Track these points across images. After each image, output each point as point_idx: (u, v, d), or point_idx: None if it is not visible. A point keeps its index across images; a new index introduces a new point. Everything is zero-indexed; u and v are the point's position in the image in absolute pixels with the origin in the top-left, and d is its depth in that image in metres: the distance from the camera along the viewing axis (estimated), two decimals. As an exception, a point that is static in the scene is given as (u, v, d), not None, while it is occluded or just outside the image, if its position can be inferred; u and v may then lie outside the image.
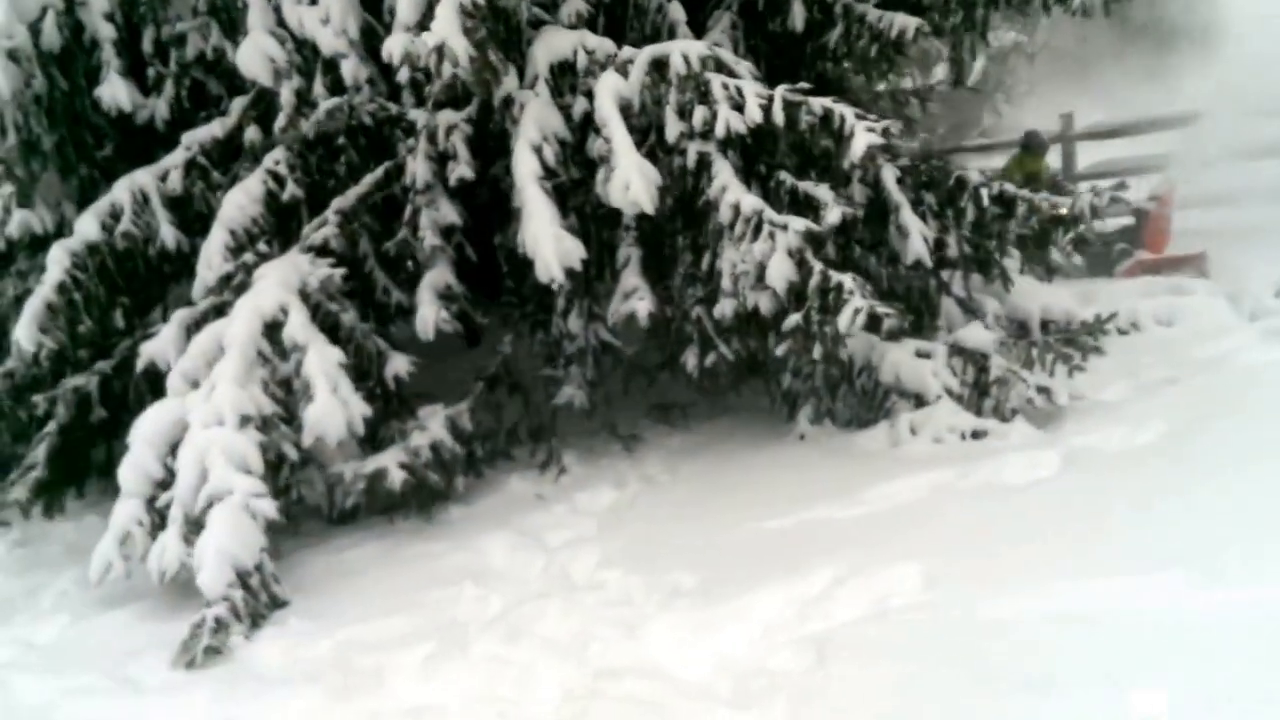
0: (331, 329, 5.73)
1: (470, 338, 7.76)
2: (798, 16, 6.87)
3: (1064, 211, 9.31)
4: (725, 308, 5.74)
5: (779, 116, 5.55)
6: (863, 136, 5.34)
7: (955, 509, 4.58)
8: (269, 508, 4.96)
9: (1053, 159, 11.25)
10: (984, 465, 5.01)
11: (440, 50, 4.90)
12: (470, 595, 4.52)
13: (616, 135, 5.49)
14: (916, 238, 6.13)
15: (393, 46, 5.18)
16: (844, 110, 5.50)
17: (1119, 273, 8.78)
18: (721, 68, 5.75)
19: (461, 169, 5.91)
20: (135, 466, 5.26)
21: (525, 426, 6.41)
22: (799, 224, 5.37)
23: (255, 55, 5.89)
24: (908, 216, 6.19)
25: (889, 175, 6.28)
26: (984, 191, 6.43)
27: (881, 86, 10.56)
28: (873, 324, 5.22)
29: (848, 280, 5.26)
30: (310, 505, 5.82)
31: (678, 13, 6.56)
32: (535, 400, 6.40)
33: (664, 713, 3.29)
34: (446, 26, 4.93)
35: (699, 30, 6.96)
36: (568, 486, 5.92)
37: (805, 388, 6.24)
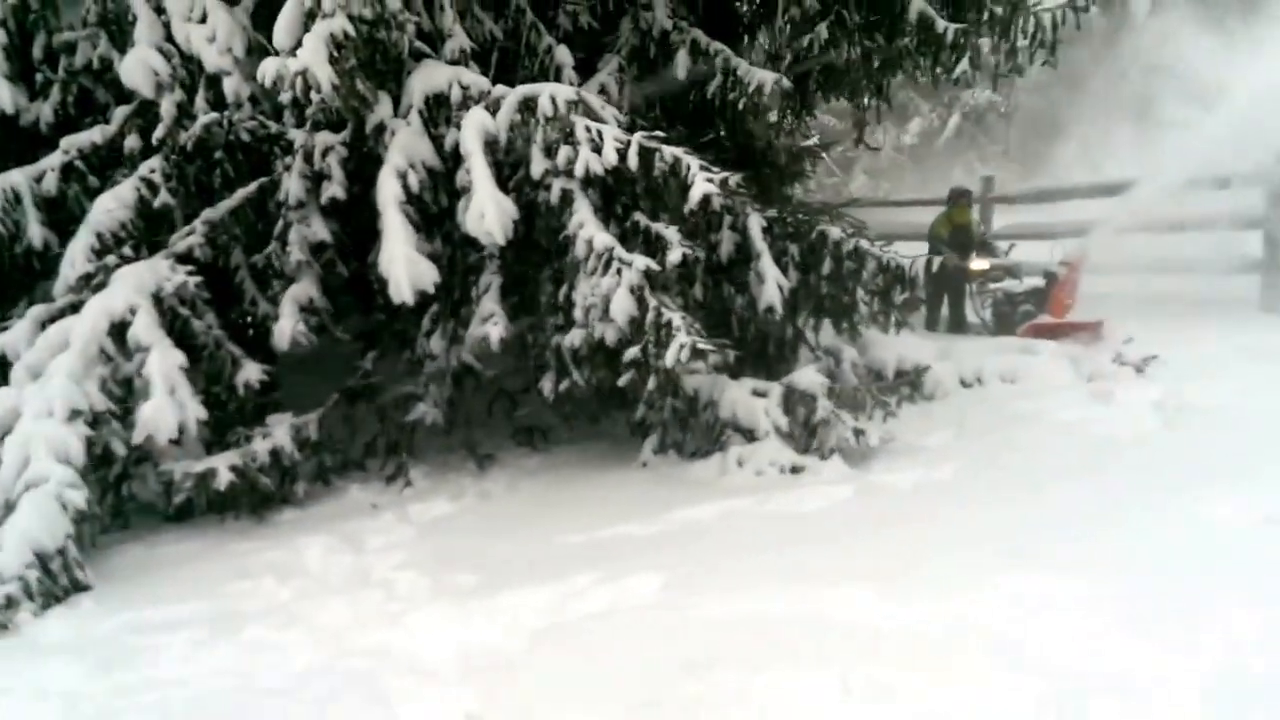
0: (184, 334, 6.23)
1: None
2: (681, 66, 7.49)
3: (984, 269, 10.04)
4: (575, 338, 6.32)
5: (634, 161, 6.16)
6: (701, 185, 5.98)
7: (733, 529, 5.22)
8: (79, 498, 5.33)
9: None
10: (786, 495, 5.68)
11: (304, 76, 5.47)
12: (266, 588, 5.00)
13: (476, 168, 6.09)
14: (771, 284, 6.75)
15: (266, 69, 5.76)
16: (690, 160, 6.13)
17: (1019, 333, 9.33)
18: (588, 112, 6.35)
19: (334, 189, 6.49)
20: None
21: (382, 441, 6.92)
22: (640, 262, 5.96)
23: (139, 67, 6.46)
24: (766, 264, 6.82)
25: (754, 224, 6.91)
26: (842, 246, 7.05)
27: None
28: (697, 358, 5.78)
29: (676, 318, 5.84)
30: (145, 501, 6.26)
31: (564, 56, 7.17)
32: (392, 416, 6.90)
33: (375, 684, 3.80)
34: (312, 55, 5.52)
35: (590, 72, 7.58)
36: (407, 498, 6.43)
37: (656, 419, 6.82)
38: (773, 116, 9.67)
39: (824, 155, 25.61)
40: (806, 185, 10.15)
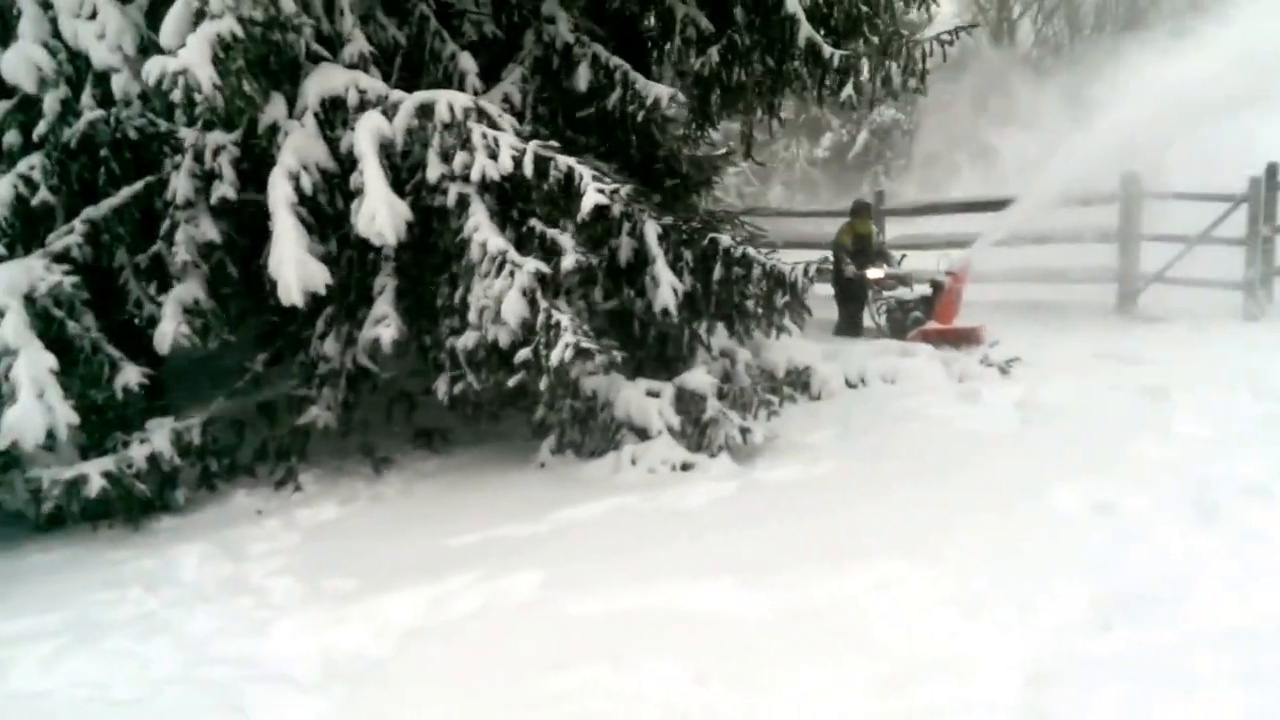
0: (60, 336, 5.98)
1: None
2: (582, 78, 7.47)
3: (880, 277, 10.23)
4: (469, 339, 6.26)
5: (529, 168, 6.14)
6: (592, 195, 5.98)
7: (618, 526, 5.24)
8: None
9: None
10: (673, 492, 5.72)
11: (185, 76, 5.35)
12: (133, 597, 4.82)
13: (369, 170, 6.00)
14: (666, 288, 6.75)
15: (151, 68, 5.59)
16: (583, 170, 6.13)
17: (909, 337, 9.51)
18: (485, 119, 6.31)
19: (225, 189, 6.31)
20: None
21: (273, 445, 6.75)
22: (531, 265, 5.94)
23: (21, 62, 6.20)
24: (660, 269, 6.82)
25: (650, 231, 6.92)
26: (732, 253, 7.10)
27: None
28: (583, 358, 5.78)
29: (565, 319, 5.83)
30: (13, 510, 6.02)
31: (468, 63, 7.09)
32: (283, 419, 6.73)
33: (232, 693, 3.71)
34: (195, 55, 5.38)
35: (496, 80, 7.54)
36: (294, 503, 6.26)
37: (555, 419, 6.80)
38: (677, 129, 9.74)
39: (738, 164, 25.92)
40: (711, 195, 10.16)
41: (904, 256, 11.08)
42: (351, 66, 6.53)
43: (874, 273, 10.47)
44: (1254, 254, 10.09)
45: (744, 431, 6.26)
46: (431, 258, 6.60)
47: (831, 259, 10.35)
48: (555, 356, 5.75)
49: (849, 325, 10.61)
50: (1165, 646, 3.56)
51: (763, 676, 3.46)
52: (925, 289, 10.09)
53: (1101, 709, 3.17)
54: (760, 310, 7.00)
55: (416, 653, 3.90)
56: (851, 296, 10.64)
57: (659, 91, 7.12)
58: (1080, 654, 3.55)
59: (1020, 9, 31.03)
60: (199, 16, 5.58)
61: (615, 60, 7.29)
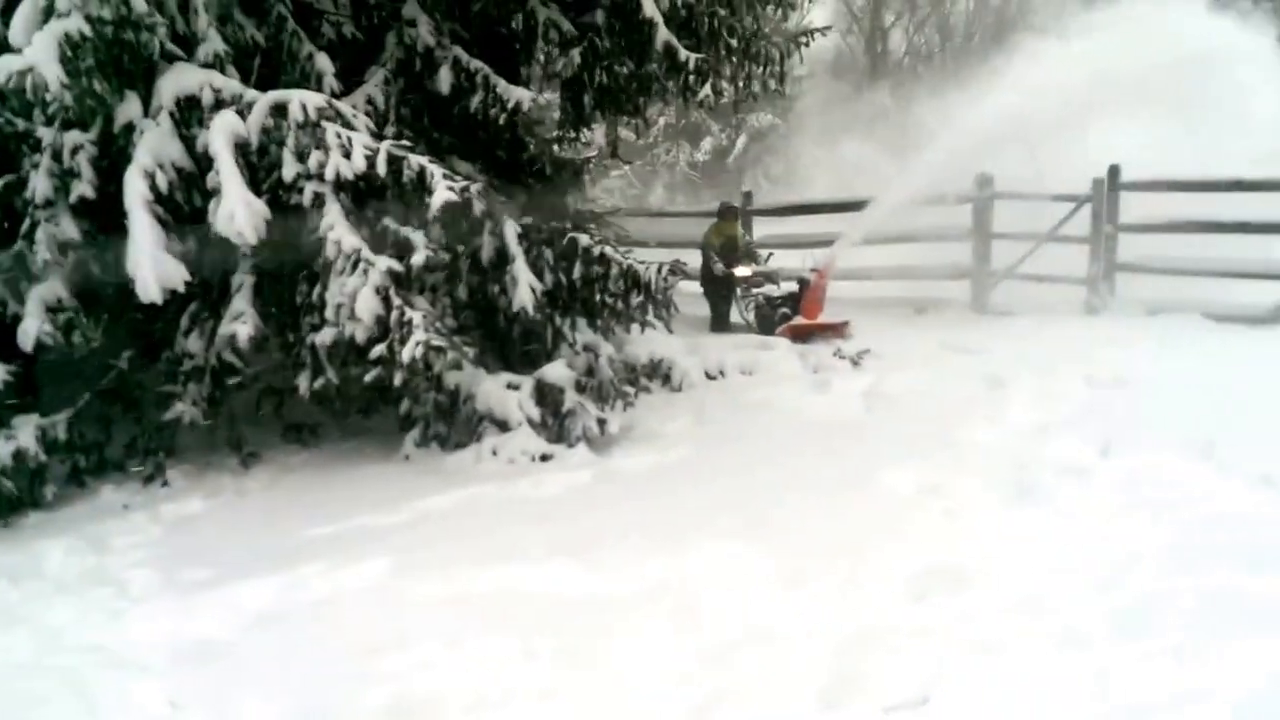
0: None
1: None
2: (444, 80, 7.50)
3: (747, 275, 10.38)
4: (327, 335, 6.25)
5: (383, 167, 6.14)
6: (441, 193, 6.01)
7: (472, 514, 5.33)
8: None
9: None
10: (529, 480, 5.83)
11: (31, 75, 5.24)
12: None
13: (225, 169, 5.95)
14: (524, 286, 6.82)
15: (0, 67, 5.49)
16: (434, 169, 6.15)
17: (777, 333, 9.68)
18: (338, 118, 6.29)
19: (84, 187, 6.19)
20: None
21: (141, 441, 6.66)
22: (383, 263, 5.96)
23: None
24: (519, 267, 6.89)
25: (510, 230, 6.98)
26: (591, 252, 7.19)
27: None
28: (435, 354, 5.82)
29: (417, 317, 5.87)
30: None
31: (325, 64, 7.06)
32: (150, 415, 6.65)
33: (82, 680, 3.70)
34: (42, 53, 5.29)
35: (359, 82, 7.50)
36: (161, 498, 6.20)
37: (420, 413, 6.82)
38: (547, 131, 9.80)
39: (620, 167, 26.08)
40: (582, 195, 10.25)
41: (770, 255, 11.29)
42: (207, 66, 6.45)
43: (741, 271, 10.64)
44: (1097, 251, 10.51)
45: (601, 422, 6.39)
46: (291, 255, 6.55)
47: (701, 258, 10.53)
48: (408, 353, 5.78)
49: (719, 322, 10.75)
50: (972, 614, 3.74)
51: (592, 650, 3.58)
52: (792, 286, 10.28)
53: (904, 671, 3.32)
54: (619, 306, 7.09)
55: (262, 637, 3.94)
56: (720, 294, 10.80)
57: (520, 94, 7.19)
58: (893, 623, 3.71)
59: (893, 18, 31.77)
60: (47, 14, 5.47)
61: (476, 63, 7.34)
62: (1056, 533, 4.42)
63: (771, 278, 10.68)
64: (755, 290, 10.57)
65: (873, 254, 11.03)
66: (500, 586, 4.11)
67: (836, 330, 9.57)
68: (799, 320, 9.80)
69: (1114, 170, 10.38)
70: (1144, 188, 10.17)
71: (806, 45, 8.80)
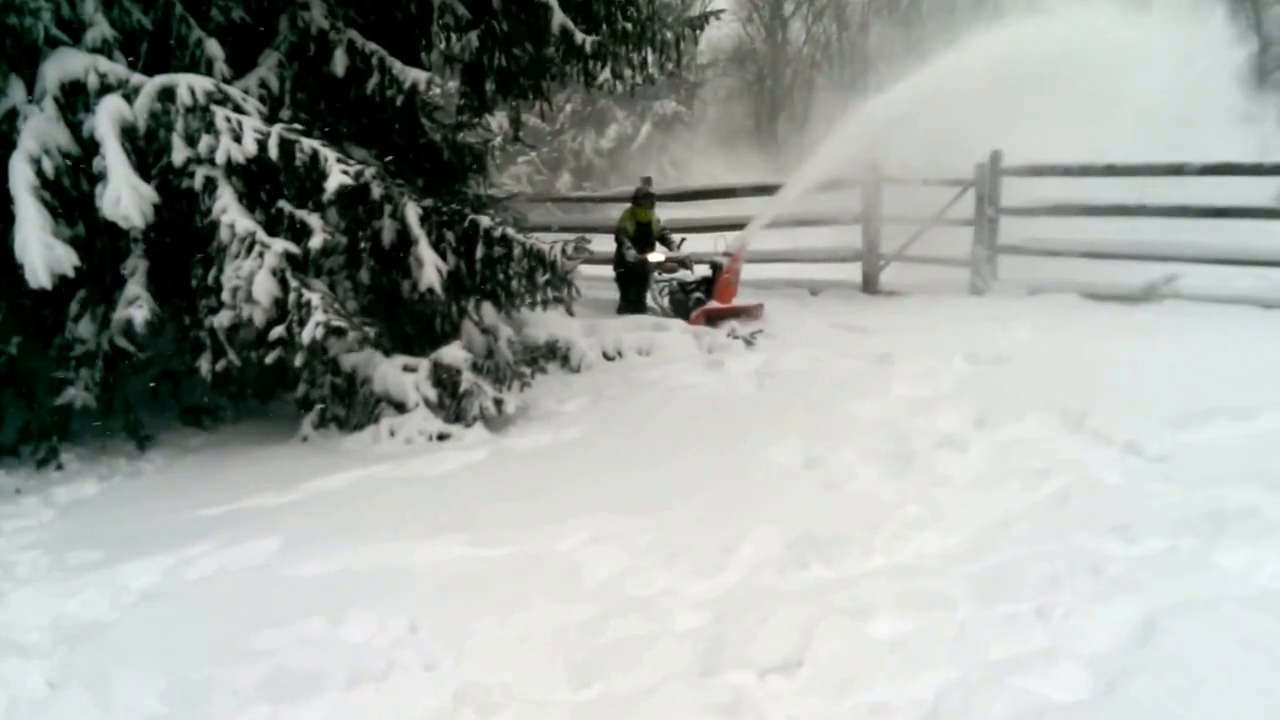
0: None
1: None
2: (339, 63, 7.34)
3: (660, 260, 10.27)
4: (225, 318, 6.12)
5: (275, 151, 6.00)
6: (336, 176, 5.91)
7: (364, 494, 5.28)
8: None
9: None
10: (424, 460, 5.80)
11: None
12: None
13: (111, 153, 5.78)
14: (430, 268, 6.75)
15: (-126, 49, 5.23)
16: (328, 152, 6.06)
17: (692, 318, 9.50)
18: (228, 102, 6.13)
19: (-35, 174, 5.95)
20: None
21: (35, 425, 6.47)
22: (279, 245, 5.85)
23: None
24: (423, 249, 6.81)
25: (412, 213, 6.87)
26: (493, 234, 7.12)
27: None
28: (335, 335, 5.72)
29: (316, 298, 5.79)
30: None
31: (215, 49, 6.86)
32: (42, 400, 6.46)
33: None
34: (-85, 36, 5.06)
35: (251, 66, 7.30)
36: (54, 481, 6.06)
37: (318, 395, 6.72)
38: (448, 117, 9.67)
39: (527, 153, 25.87)
40: (486, 180, 10.12)
41: (684, 240, 11.04)
42: (94, 51, 6.27)
43: (654, 257, 10.47)
44: (980, 234, 10.71)
45: (498, 402, 6.37)
46: (186, 239, 6.40)
47: (614, 243, 10.42)
48: (307, 334, 5.71)
49: (631, 307, 10.50)
50: (845, 580, 3.82)
51: (474, 623, 3.57)
52: (705, 270, 10.16)
53: (773, 633, 3.37)
54: (523, 287, 7.05)
55: (144, 615, 3.87)
56: (633, 279, 10.61)
57: (416, 75, 7.09)
58: (767, 589, 3.76)
59: (792, 7, 32.01)
60: (-76, -3, 5.22)
61: (371, 46, 7.22)
62: (931, 501, 4.51)
63: (685, 263, 10.56)
64: (668, 276, 10.46)
65: (768, 238, 11.10)
66: (387, 562, 4.09)
67: (750, 313, 9.51)
68: (713, 304, 9.67)
69: (996, 156, 10.59)
70: (1024, 173, 10.40)
71: (701, 29, 8.79)
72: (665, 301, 10.49)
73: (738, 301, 9.78)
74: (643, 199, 10.77)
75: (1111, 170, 9.86)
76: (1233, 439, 4.92)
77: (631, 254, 10.35)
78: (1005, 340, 7.49)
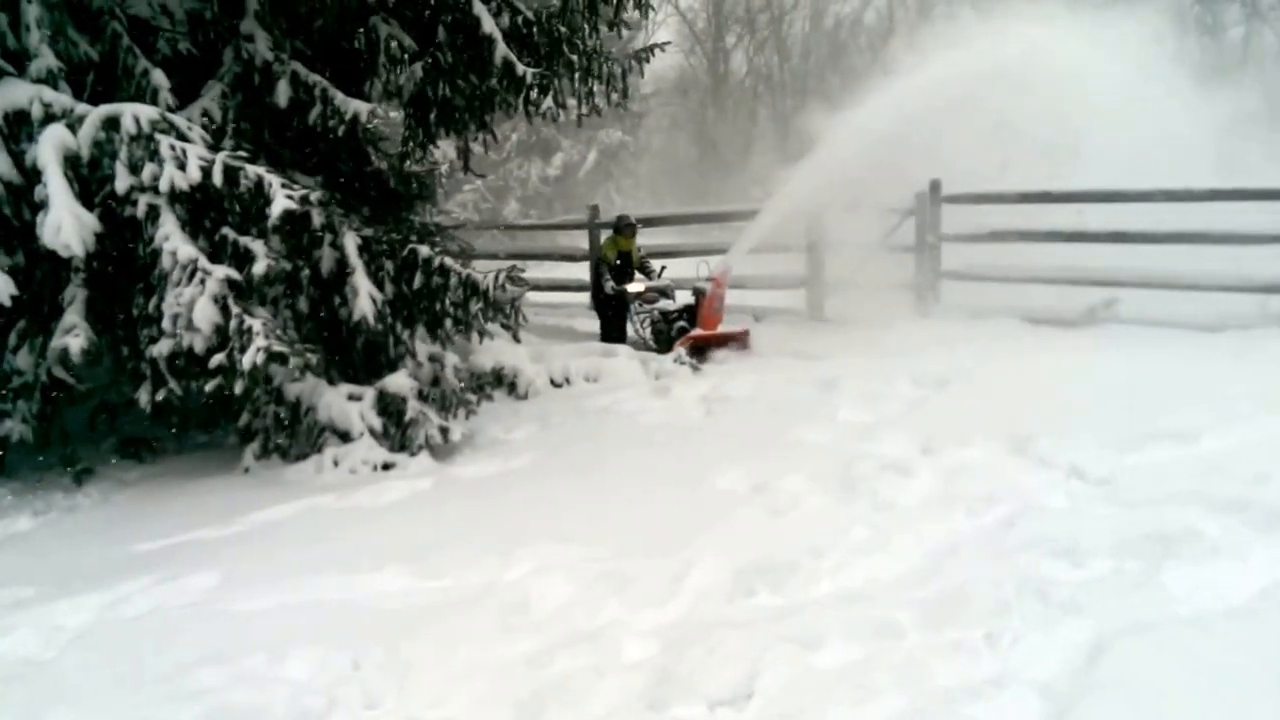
0: None
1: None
2: (282, 94, 7.23)
3: (640, 290, 9.92)
4: (165, 346, 5.95)
5: (219, 178, 5.88)
6: (280, 201, 5.79)
7: (307, 525, 5.15)
8: None
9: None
10: (369, 490, 5.67)
11: None
12: None
13: (53, 181, 5.63)
14: (364, 297, 6.65)
15: None
16: (272, 179, 5.94)
17: (677, 347, 9.14)
18: (173, 130, 6.00)
19: (-95, 203, 5.76)
20: None
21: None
22: (221, 272, 5.71)
23: None
24: (359, 279, 6.72)
25: (350, 242, 6.77)
26: (431, 263, 7.02)
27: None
28: (277, 361, 5.59)
29: (257, 324, 5.65)
30: None
31: (160, 79, 6.72)
32: (-24, 433, 6.22)
33: None
34: None
35: (196, 97, 7.16)
36: (-15, 517, 5.82)
37: (260, 425, 6.56)
38: (392, 147, 9.55)
39: (473, 181, 25.72)
40: (432, 208, 9.98)
41: (664, 268, 10.65)
42: (39, 81, 6.12)
43: (634, 287, 10.05)
44: (922, 260, 10.80)
45: (443, 430, 6.27)
46: (128, 268, 6.23)
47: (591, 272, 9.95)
48: (248, 360, 5.57)
49: (611, 338, 10.01)
50: (794, 608, 3.77)
51: (419, 657, 3.48)
52: (688, 297, 9.80)
53: (722, 664, 3.30)
54: (460, 315, 6.95)
55: (80, 654, 3.72)
56: (613, 310, 10.19)
57: (358, 106, 7.00)
58: (717, 618, 3.70)
59: (734, 40, 32.33)
60: None
61: (315, 77, 7.13)
62: (877, 526, 4.47)
63: (666, 292, 10.13)
64: (650, 306, 9.98)
65: (714, 265, 11.04)
66: (330, 596, 3.97)
67: (737, 339, 9.21)
68: (697, 331, 9.31)
69: (935, 185, 10.71)
70: (961, 200, 10.52)
71: (646, 61, 8.79)
72: (647, 332, 10.07)
73: (724, 327, 9.47)
74: (624, 228, 10.37)
75: (1047, 197, 10.00)
76: (1174, 461, 4.95)
77: (610, 286, 9.96)
78: (948, 364, 7.50)
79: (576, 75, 8.47)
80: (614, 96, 8.76)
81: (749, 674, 3.22)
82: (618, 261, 10.20)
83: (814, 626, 3.50)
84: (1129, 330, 8.86)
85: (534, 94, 8.39)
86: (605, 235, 10.66)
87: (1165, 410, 5.70)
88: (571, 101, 9.01)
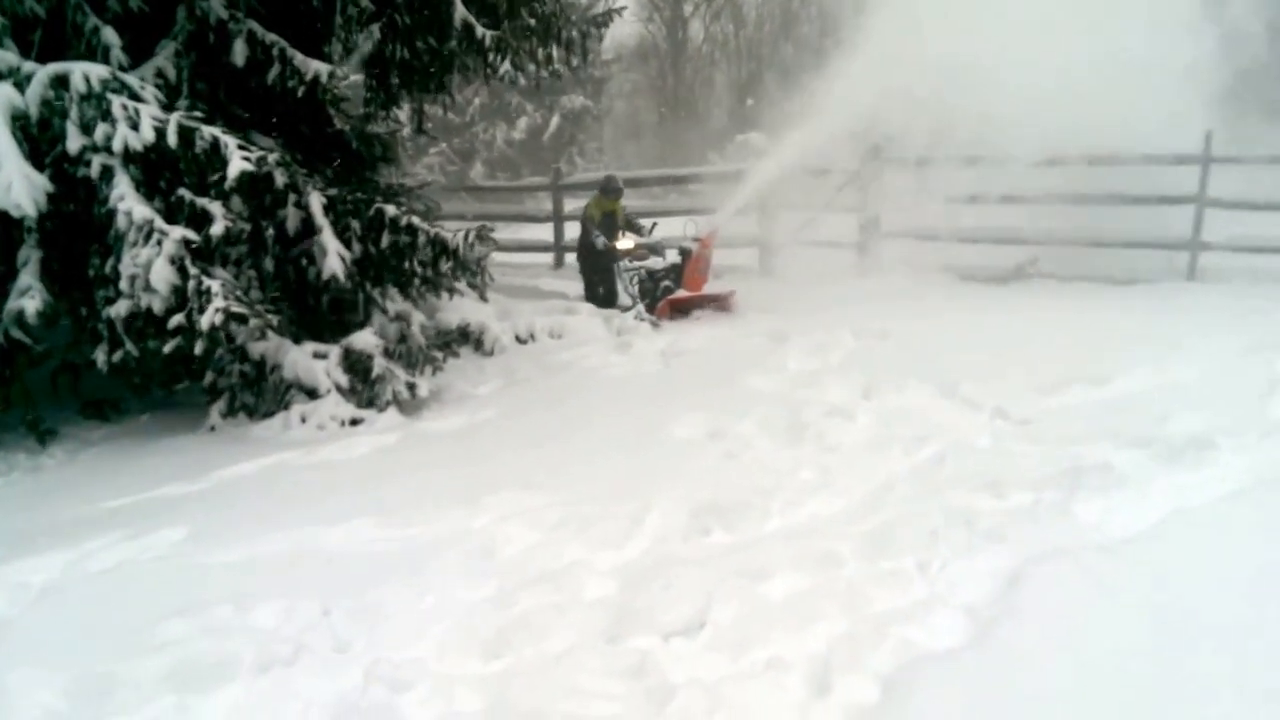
0: None
1: None
2: (239, 54, 7.04)
3: (629, 247, 9.56)
4: (122, 308, 5.83)
5: (174, 138, 5.75)
6: (237, 163, 5.68)
7: (274, 481, 5.06)
8: None
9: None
10: (336, 445, 5.59)
11: None
12: None
13: (1, 142, 5.44)
14: (333, 256, 6.54)
15: None
16: (229, 140, 5.81)
17: (659, 308, 8.88)
18: (125, 90, 5.85)
19: None
20: None
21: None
22: (177, 233, 5.59)
23: None
24: (327, 238, 6.60)
25: (315, 201, 6.65)
26: (399, 222, 6.94)
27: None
28: (236, 321, 5.51)
29: (216, 285, 5.55)
30: None
31: (111, 38, 6.51)
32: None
33: None
34: None
35: (149, 56, 6.98)
36: (-51, 479, 5.67)
37: (226, 383, 6.46)
38: (354, 108, 9.38)
39: (442, 144, 25.42)
40: (397, 169, 9.80)
41: (655, 225, 10.10)
42: (-15, 40, 5.89)
43: (624, 244, 9.55)
44: (865, 221, 10.89)
45: (410, 386, 6.22)
46: (83, 229, 6.08)
47: (580, 232, 9.65)
48: (206, 320, 5.48)
49: (600, 301, 9.48)
50: (745, 544, 3.82)
51: (386, 604, 3.43)
52: (675, 257, 9.46)
53: (677, 598, 3.32)
54: (429, 274, 6.89)
55: (45, 611, 3.60)
56: (600, 269, 9.70)
57: (318, 67, 6.85)
58: (673, 557, 3.72)
59: (691, 8, 32.09)
60: None
61: (272, 36, 6.94)
62: (823, 467, 4.59)
63: (655, 249, 9.67)
64: (637, 264, 9.50)
65: (669, 226, 11.01)
66: (297, 548, 3.91)
67: (720, 302, 8.89)
68: (681, 292, 8.99)
69: (875, 149, 10.78)
70: (903, 162, 10.62)
71: (605, 26, 8.68)
72: (635, 290, 9.46)
73: (709, 288, 9.21)
74: (611, 190, 9.74)
75: (974, 161, 10.07)
76: (1088, 403, 5.26)
77: (600, 241, 9.42)
78: (888, 318, 7.67)
79: (535, 38, 8.35)
80: (574, 60, 8.65)
81: (702, 606, 3.25)
82: (603, 222, 9.73)
83: (763, 561, 3.57)
84: (1051, 285, 9.49)
85: (492, 56, 8.26)
86: (591, 196, 10.18)
87: (1081, 357, 6.04)
88: (531, 66, 8.89)
